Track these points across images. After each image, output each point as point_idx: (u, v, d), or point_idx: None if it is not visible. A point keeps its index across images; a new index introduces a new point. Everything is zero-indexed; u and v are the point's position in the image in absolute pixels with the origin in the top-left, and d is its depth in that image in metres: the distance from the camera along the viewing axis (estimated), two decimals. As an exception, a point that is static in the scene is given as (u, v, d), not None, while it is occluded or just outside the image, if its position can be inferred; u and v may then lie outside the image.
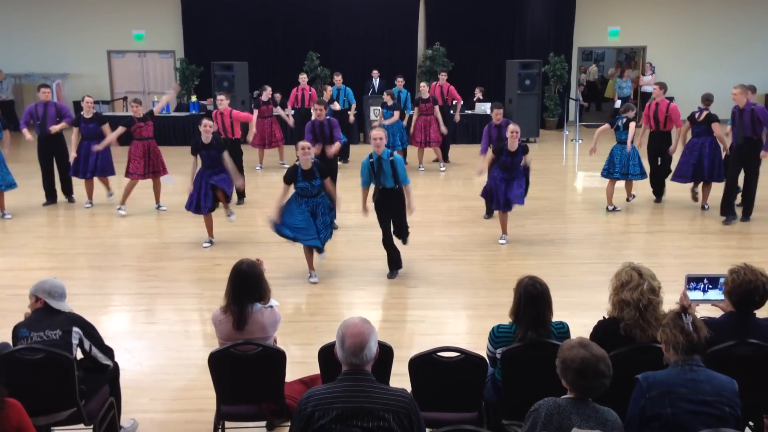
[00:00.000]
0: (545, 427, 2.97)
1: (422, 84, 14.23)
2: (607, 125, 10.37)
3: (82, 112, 10.67)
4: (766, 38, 19.57)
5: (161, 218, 10.14)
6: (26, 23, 19.46)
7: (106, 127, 10.55)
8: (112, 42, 19.79)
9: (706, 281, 4.19)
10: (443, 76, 14.80)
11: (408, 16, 19.59)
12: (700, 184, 10.26)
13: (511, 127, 8.49)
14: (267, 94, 14.33)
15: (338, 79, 14.86)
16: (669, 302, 3.96)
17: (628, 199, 10.67)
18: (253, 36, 19.23)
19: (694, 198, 10.49)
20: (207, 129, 8.34)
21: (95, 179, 10.81)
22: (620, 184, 10.41)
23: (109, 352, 4.36)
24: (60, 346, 3.99)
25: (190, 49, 19.48)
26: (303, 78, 14.91)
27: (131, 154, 10.22)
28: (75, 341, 4.11)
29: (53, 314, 4.15)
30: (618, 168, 10.16)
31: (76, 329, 4.13)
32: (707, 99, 10.07)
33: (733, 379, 3.27)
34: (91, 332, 4.23)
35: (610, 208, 10.30)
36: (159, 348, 6.11)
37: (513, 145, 8.34)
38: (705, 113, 9.97)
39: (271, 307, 4.38)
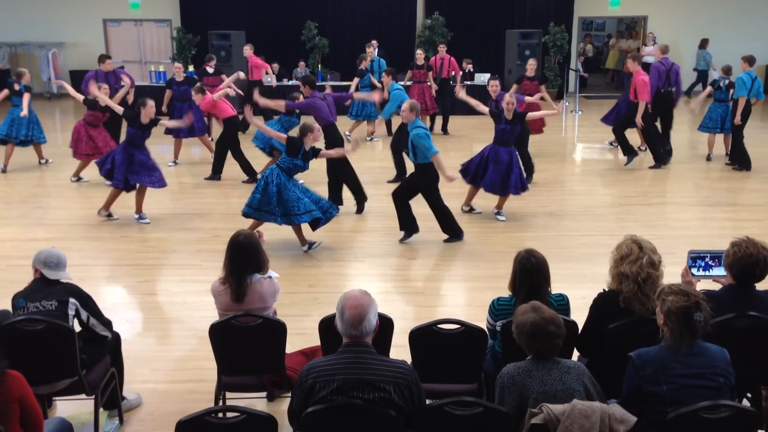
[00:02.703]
0: (509, 389, 3.17)
1: (418, 51, 14.20)
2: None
3: (173, 76, 12.35)
4: (767, 9, 19.38)
5: (159, 189, 10.10)
6: (21, -9, 19.23)
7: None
8: (108, 10, 19.58)
9: (708, 258, 4.17)
10: (443, 48, 14.68)
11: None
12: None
13: (507, 98, 8.36)
14: (211, 65, 13.56)
15: (371, 51, 14.02)
16: (668, 274, 3.97)
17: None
18: (251, 5, 19.01)
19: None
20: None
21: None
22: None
23: (107, 323, 4.35)
24: (56, 317, 3.99)
25: (186, 18, 19.28)
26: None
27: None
28: (71, 312, 4.10)
29: (50, 284, 4.14)
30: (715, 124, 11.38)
31: (72, 300, 4.12)
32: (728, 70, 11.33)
33: (724, 349, 3.29)
34: (88, 303, 4.22)
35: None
36: (159, 319, 6.13)
37: (509, 116, 8.27)
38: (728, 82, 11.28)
39: (270, 277, 4.39)
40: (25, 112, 10.87)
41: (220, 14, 18.73)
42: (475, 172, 8.48)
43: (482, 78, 16.99)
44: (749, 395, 4.07)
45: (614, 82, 21.80)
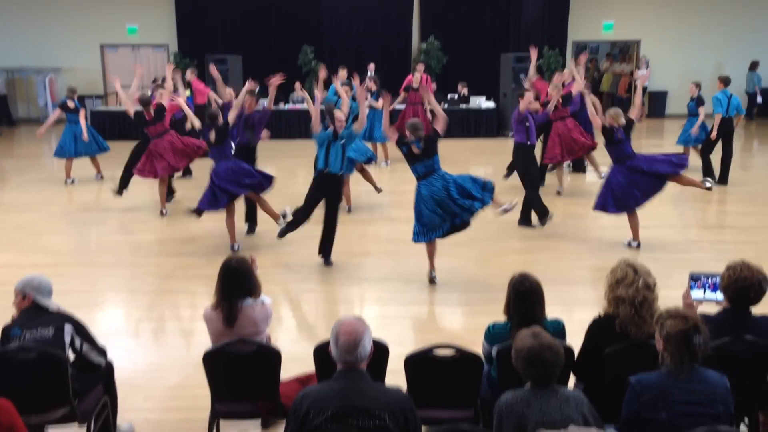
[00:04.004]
0: (507, 417, 3.12)
1: (416, 73, 14.32)
2: None
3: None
4: (758, 31, 19.58)
5: (154, 215, 10.10)
6: (19, 17, 19.34)
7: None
8: (105, 36, 19.68)
9: (709, 280, 4.13)
10: (420, 67, 14.72)
11: (402, 10, 19.54)
12: None
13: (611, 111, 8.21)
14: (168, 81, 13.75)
15: (342, 73, 13.61)
16: (665, 298, 3.96)
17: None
18: (247, 29, 19.15)
19: None
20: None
21: None
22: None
23: (102, 351, 4.32)
24: (54, 344, 3.96)
25: (183, 42, 19.40)
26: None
27: None
28: (67, 339, 4.07)
29: (44, 312, 4.11)
30: None
31: (68, 326, 4.09)
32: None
33: (724, 376, 3.27)
34: (82, 330, 4.18)
35: None
36: (153, 346, 6.09)
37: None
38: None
39: (263, 302, 4.37)
40: (84, 130, 11.63)
41: (216, 39, 18.85)
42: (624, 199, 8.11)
43: (477, 101, 17.11)
44: (746, 420, 4.05)
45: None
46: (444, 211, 6.91)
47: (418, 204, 7.03)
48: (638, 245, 8.25)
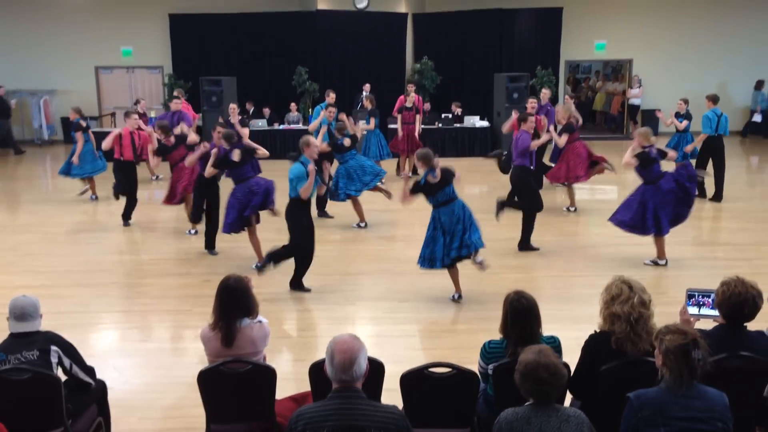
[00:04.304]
0: None
1: (412, 93, 14.44)
2: None
3: (229, 118, 12.28)
4: (750, 50, 19.75)
5: (149, 234, 10.08)
6: (14, 39, 19.39)
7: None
8: (100, 58, 19.75)
9: (706, 296, 4.12)
10: (411, 88, 15.02)
11: (396, 31, 19.66)
12: None
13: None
14: (142, 106, 14.12)
15: (332, 96, 13.49)
16: (660, 314, 3.96)
17: None
18: (242, 51, 19.23)
19: None
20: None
21: None
22: None
23: (90, 370, 4.25)
24: (40, 366, 3.90)
25: (178, 64, 19.46)
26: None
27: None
28: (54, 359, 4.01)
29: (27, 335, 4.02)
30: None
31: (54, 348, 4.03)
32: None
33: (723, 393, 3.26)
34: (69, 350, 4.12)
35: None
36: (148, 366, 6.05)
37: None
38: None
39: (260, 321, 4.35)
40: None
41: (211, 60, 18.91)
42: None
43: (471, 121, 17.18)
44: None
45: (604, 124, 22.16)
46: (452, 239, 7.02)
47: (433, 230, 7.11)
48: (665, 263, 8.30)
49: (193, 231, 9.80)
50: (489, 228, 10.11)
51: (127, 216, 10.42)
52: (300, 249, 7.49)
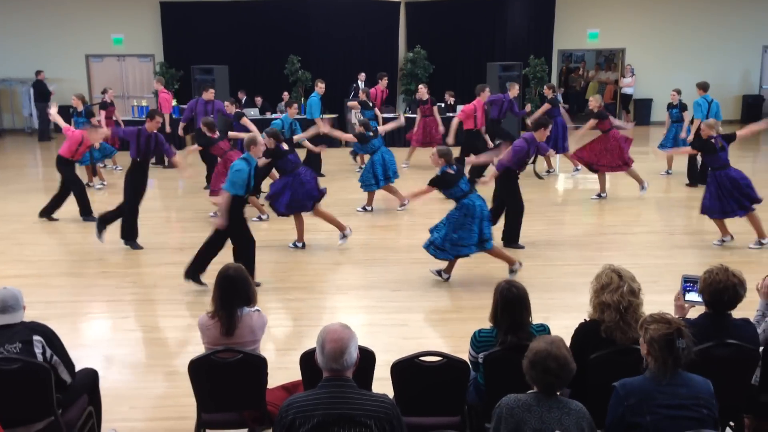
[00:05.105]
0: (507, 420, 3.08)
1: (420, 86, 14.54)
2: None
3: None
4: (742, 39, 19.80)
5: (139, 224, 10.03)
6: (3, 27, 19.25)
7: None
8: (90, 46, 19.63)
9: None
10: (384, 81, 15.24)
11: (389, 20, 19.61)
12: None
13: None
14: (110, 95, 14.27)
15: (321, 86, 13.75)
16: (651, 303, 3.97)
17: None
18: (233, 39, 19.14)
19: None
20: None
21: None
22: None
23: (70, 365, 4.14)
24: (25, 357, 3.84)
25: (169, 52, 19.36)
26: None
27: None
28: (38, 350, 3.93)
29: (9, 327, 3.94)
30: None
31: (37, 338, 3.95)
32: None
33: (708, 380, 3.29)
34: (53, 341, 4.03)
35: None
36: (139, 355, 6.05)
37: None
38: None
39: (258, 310, 4.36)
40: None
41: (203, 49, 18.80)
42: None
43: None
44: (731, 424, 4.06)
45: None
46: (477, 229, 7.16)
47: (461, 216, 7.14)
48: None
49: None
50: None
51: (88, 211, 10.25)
52: (251, 246, 7.24)
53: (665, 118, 13.10)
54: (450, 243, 7.17)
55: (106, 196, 11.38)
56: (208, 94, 12.37)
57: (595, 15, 19.84)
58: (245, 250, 7.11)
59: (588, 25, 19.96)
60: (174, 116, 15.57)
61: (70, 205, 10.29)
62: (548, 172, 13.34)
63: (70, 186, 10.12)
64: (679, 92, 12.67)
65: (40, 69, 18.51)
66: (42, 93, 17.99)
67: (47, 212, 10.19)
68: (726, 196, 8.32)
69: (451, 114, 16.96)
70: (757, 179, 12.69)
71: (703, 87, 12.07)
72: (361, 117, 10.84)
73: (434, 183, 7.20)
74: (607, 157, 11.08)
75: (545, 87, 13.75)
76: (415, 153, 14.44)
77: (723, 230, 8.56)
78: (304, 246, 8.73)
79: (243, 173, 6.92)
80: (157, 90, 15.16)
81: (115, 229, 8.86)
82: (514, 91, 12.95)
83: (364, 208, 10.54)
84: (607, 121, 11.22)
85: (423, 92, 14.35)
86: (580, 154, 11.47)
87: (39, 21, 19.28)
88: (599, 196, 11.25)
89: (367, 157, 11.04)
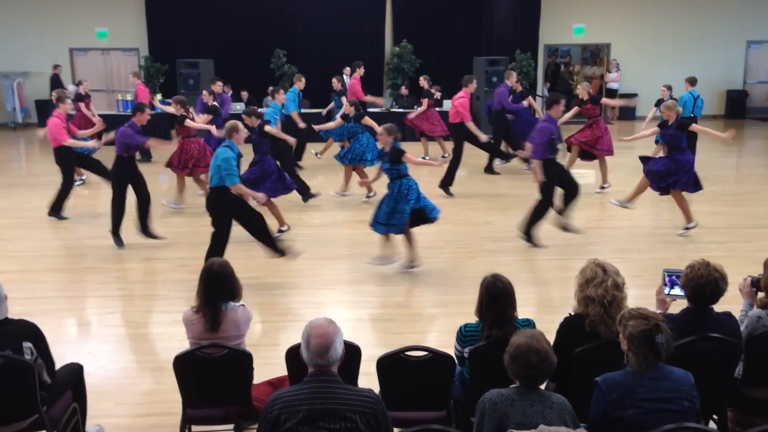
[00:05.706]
0: (490, 415, 3.10)
1: (421, 78, 14.56)
2: None
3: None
4: (727, 33, 19.94)
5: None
6: (-15, 21, 19.05)
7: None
8: (74, 40, 19.46)
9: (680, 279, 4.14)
10: (360, 70, 14.89)
11: (375, 14, 19.58)
12: None
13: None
14: (84, 87, 14.26)
15: (301, 81, 13.22)
16: (635, 297, 4.00)
17: None
18: (219, 33, 19.05)
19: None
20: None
21: None
22: None
23: (52, 368, 4.07)
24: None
25: (154, 46, 19.24)
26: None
27: None
28: (27, 356, 3.85)
29: None
30: None
31: (26, 344, 3.86)
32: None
33: (688, 372, 3.32)
34: (40, 344, 3.95)
35: None
36: (124, 351, 6.03)
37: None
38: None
39: (243, 305, 4.35)
40: None
41: (188, 42, 18.71)
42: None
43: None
44: (715, 417, 4.10)
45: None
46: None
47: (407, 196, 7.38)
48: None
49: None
50: (466, 212, 10.18)
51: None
52: (226, 237, 7.24)
53: (649, 113, 13.13)
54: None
55: (87, 192, 11.28)
56: (217, 87, 12.70)
57: (581, 9, 19.91)
58: (221, 240, 7.17)
59: (574, 19, 20.03)
60: (155, 110, 15.41)
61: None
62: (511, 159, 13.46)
63: (62, 178, 9.94)
64: (669, 88, 12.78)
65: (23, 63, 18.31)
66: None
67: (55, 210, 9.93)
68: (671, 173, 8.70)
69: (438, 109, 16.99)
70: (741, 174, 12.79)
71: (691, 82, 12.30)
72: (350, 107, 10.94)
73: (381, 156, 7.56)
74: (601, 143, 11.26)
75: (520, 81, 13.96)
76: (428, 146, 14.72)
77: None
78: (288, 228, 8.95)
79: (233, 159, 6.97)
80: (134, 84, 15.08)
81: (103, 224, 8.81)
82: (511, 79, 13.05)
83: (367, 197, 10.70)
84: (598, 106, 11.45)
85: (425, 84, 14.56)
86: (580, 138, 11.48)
87: (22, 14, 19.08)
88: (602, 188, 11.34)
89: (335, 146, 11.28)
